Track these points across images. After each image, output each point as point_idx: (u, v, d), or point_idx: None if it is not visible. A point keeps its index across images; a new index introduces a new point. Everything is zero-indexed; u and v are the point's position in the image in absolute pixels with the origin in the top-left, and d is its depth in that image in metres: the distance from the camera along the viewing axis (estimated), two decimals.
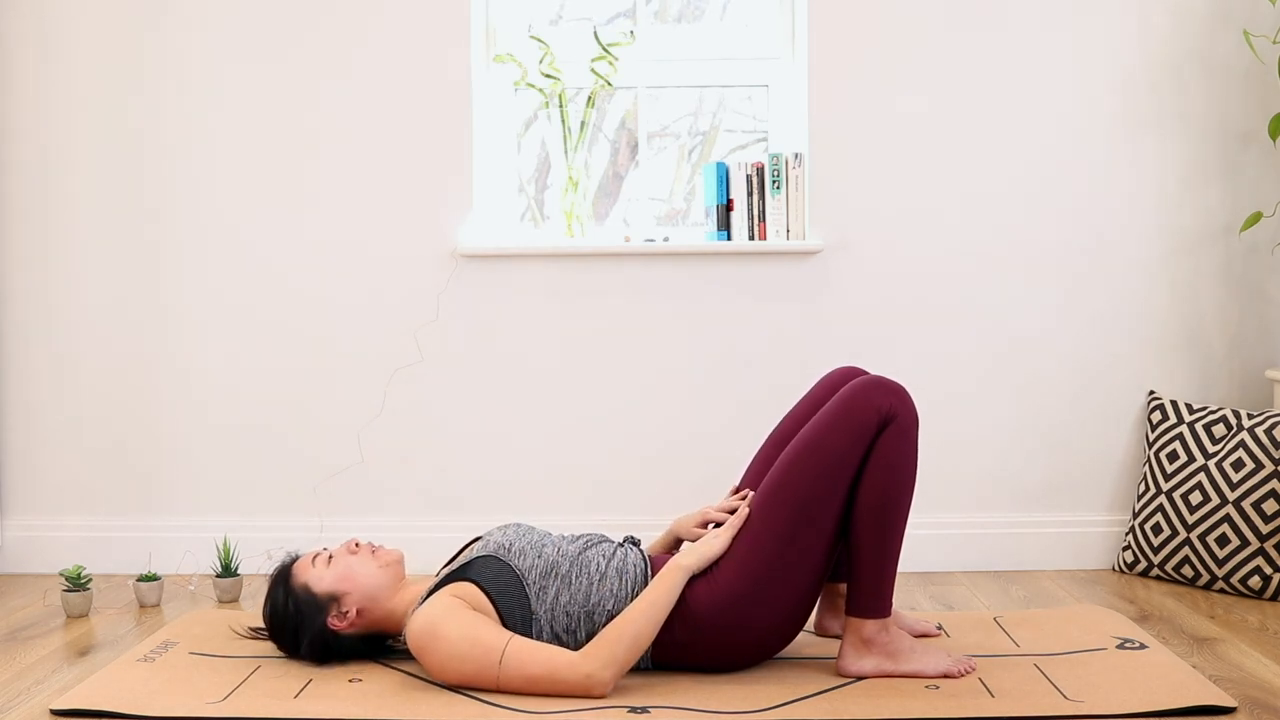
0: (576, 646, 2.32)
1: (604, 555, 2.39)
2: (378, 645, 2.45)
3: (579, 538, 2.46)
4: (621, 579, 2.35)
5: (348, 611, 2.37)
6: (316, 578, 2.39)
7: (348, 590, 2.37)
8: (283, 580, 2.41)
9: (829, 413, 2.31)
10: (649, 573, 2.37)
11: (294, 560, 2.46)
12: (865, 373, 2.51)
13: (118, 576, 3.25)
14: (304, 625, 2.38)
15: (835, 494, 2.28)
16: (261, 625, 2.60)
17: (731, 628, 2.30)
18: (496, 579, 2.32)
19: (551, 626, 2.31)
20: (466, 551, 2.46)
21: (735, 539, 2.33)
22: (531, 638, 2.31)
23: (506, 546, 2.39)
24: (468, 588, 2.33)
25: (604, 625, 2.31)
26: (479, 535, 2.53)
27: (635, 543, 2.49)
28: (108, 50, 3.30)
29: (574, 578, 2.34)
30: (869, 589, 2.30)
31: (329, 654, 2.41)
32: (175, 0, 3.29)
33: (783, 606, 2.31)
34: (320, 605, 2.38)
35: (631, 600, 2.32)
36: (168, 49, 3.30)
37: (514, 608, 2.30)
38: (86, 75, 3.30)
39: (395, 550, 2.52)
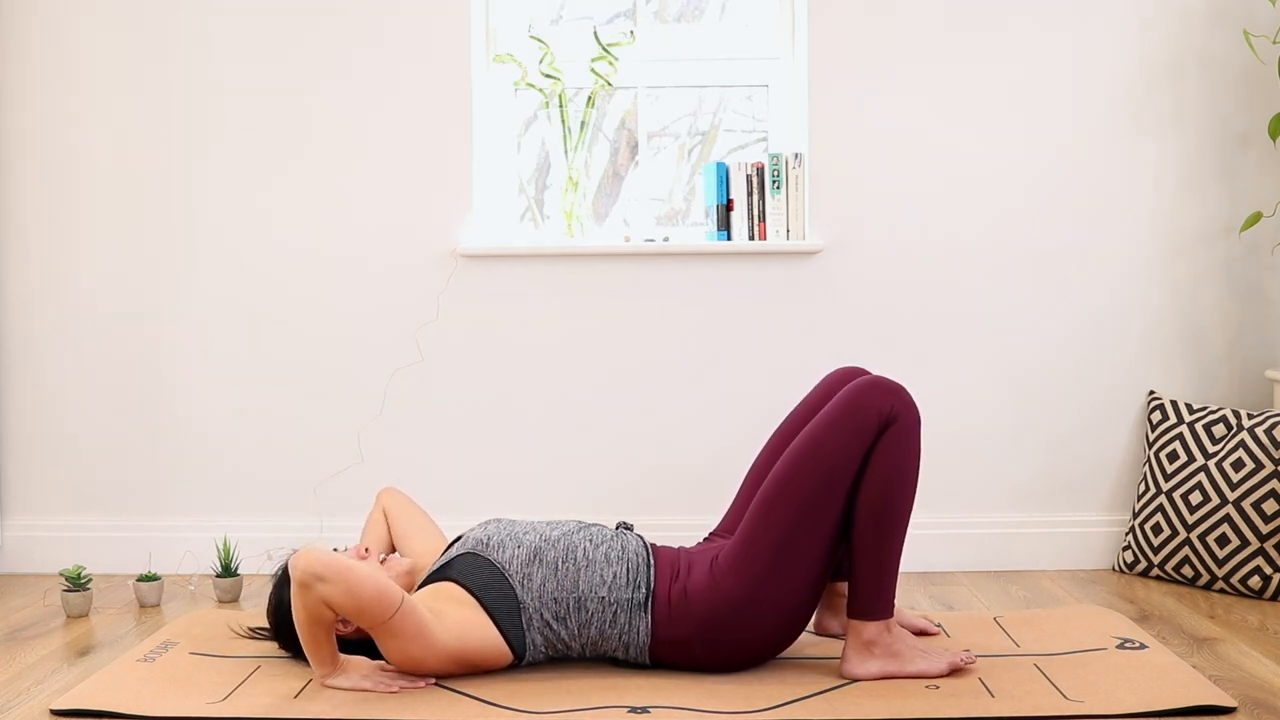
0: (569, 635, 2.32)
1: (592, 541, 2.38)
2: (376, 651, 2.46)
3: (564, 523, 2.45)
4: (613, 565, 2.33)
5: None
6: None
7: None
8: (289, 580, 2.40)
9: (829, 414, 2.30)
10: (650, 559, 2.36)
11: None
12: (867, 373, 2.51)
13: (118, 576, 3.25)
14: (280, 598, 2.39)
15: (836, 496, 2.28)
16: (261, 625, 2.60)
17: (732, 630, 2.30)
18: (477, 575, 2.33)
19: (541, 614, 2.31)
20: (447, 553, 2.46)
21: (737, 542, 2.33)
22: (522, 628, 2.31)
23: (484, 541, 2.39)
24: (450, 587, 2.34)
25: (597, 613, 2.31)
26: (460, 535, 2.53)
27: (629, 527, 2.49)
28: (106, 54, 3.30)
29: (560, 564, 2.33)
30: (870, 590, 2.29)
31: (280, 625, 2.41)
32: (175, 1, 3.29)
33: (783, 608, 2.31)
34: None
35: (628, 588, 2.31)
36: (167, 49, 3.30)
37: (499, 600, 2.30)
38: (87, 80, 3.30)
39: (404, 560, 2.52)
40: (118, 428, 3.34)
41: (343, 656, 2.29)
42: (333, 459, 3.32)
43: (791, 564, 2.28)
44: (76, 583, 2.88)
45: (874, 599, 2.29)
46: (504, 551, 2.36)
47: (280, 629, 2.42)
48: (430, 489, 3.22)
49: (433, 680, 2.29)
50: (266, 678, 2.35)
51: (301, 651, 2.38)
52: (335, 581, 2.15)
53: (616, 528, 2.48)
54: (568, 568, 2.33)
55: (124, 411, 3.34)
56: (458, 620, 2.28)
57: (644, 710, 2.16)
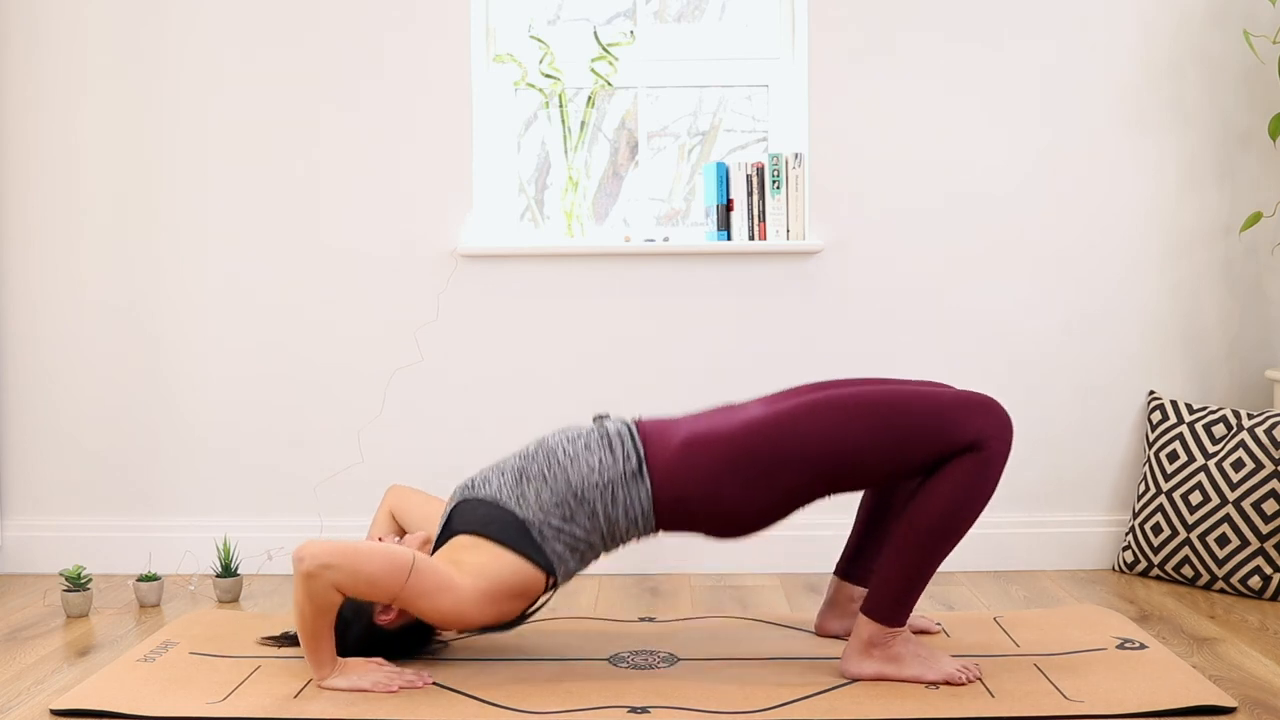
0: (584, 531, 2.30)
1: (569, 438, 2.37)
2: (424, 636, 2.44)
3: (539, 438, 2.44)
4: (595, 451, 2.32)
5: (391, 605, 2.33)
6: None
7: None
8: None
9: (931, 398, 2.25)
10: (634, 434, 2.34)
11: None
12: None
13: (118, 576, 3.25)
14: (349, 628, 2.36)
15: (868, 470, 2.25)
16: (280, 634, 2.58)
17: (708, 497, 2.27)
18: (476, 516, 2.33)
19: (549, 523, 2.29)
20: (444, 515, 2.45)
21: (736, 426, 2.28)
22: (538, 544, 2.28)
23: (468, 485, 2.40)
24: (457, 539, 2.33)
25: (597, 499, 2.29)
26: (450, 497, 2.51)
27: (605, 418, 2.45)
28: (109, 54, 3.30)
29: (546, 471, 2.32)
30: (893, 598, 2.27)
31: (375, 651, 2.39)
32: (175, 1, 3.29)
33: (752, 505, 2.27)
34: (359, 607, 2.35)
35: (618, 463, 2.29)
36: (165, 52, 3.30)
37: (505, 529, 2.29)
38: (89, 82, 3.30)
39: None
40: (118, 428, 3.34)
41: (341, 658, 2.29)
42: (333, 459, 3.32)
43: (780, 483, 2.25)
44: (76, 583, 2.88)
45: (893, 607, 2.27)
46: (490, 485, 2.36)
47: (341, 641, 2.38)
48: (430, 489, 3.21)
49: (431, 680, 2.29)
50: (266, 678, 2.35)
51: (344, 654, 2.36)
52: (343, 565, 2.17)
53: (594, 420, 2.46)
54: (554, 471, 2.32)
55: (124, 412, 3.34)
56: (475, 561, 2.27)
57: (644, 710, 2.16)
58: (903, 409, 2.25)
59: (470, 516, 2.34)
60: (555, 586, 2.34)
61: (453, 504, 2.41)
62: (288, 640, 2.55)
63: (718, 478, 2.26)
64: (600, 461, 2.31)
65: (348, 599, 2.33)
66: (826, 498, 2.32)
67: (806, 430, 2.25)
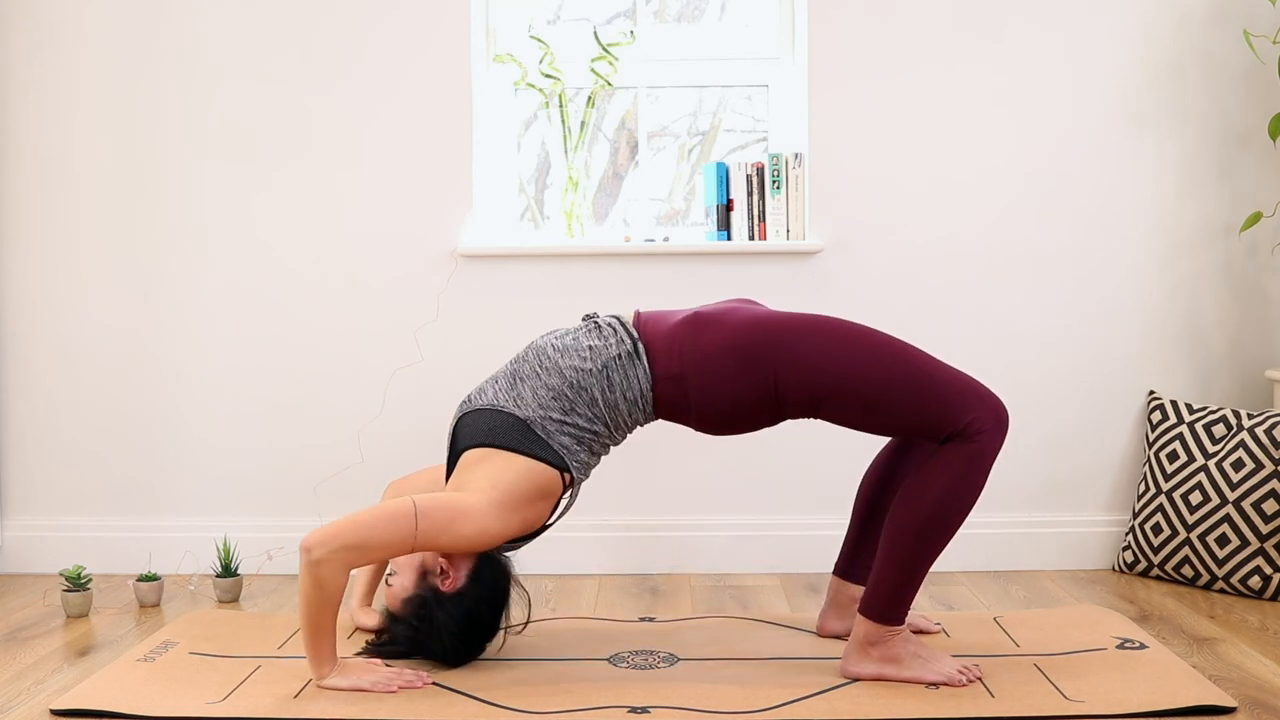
0: (587, 421, 2.31)
1: (558, 335, 2.39)
2: (501, 569, 2.39)
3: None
4: (585, 340, 2.33)
5: (438, 569, 2.33)
6: (401, 588, 2.37)
7: (418, 560, 2.34)
8: (392, 619, 2.40)
9: (944, 374, 2.26)
10: (625, 324, 2.35)
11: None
12: None
13: (118, 576, 3.25)
14: (434, 625, 2.34)
15: (855, 408, 2.25)
16: (385, 644, 2.50)
17: (703, 376, 2.28)
18: (477, 427, 2.33)
19: (550, 417, 2.30)
20: (447, 440, 2.46)
21: (766, 312, 2.32)
22: (543, 440, 2.30)
23: (465, 401, 2.41)
24: (467, 457, 2.33)
25: (593, 384, 2.30)
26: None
27: (594, 315, 2.46)
28: (107, 54, 3.30)
29: (538, 369, 2.34)
30: (888, 597, 2.27)
31: (482, 621, 2.36)
32: (174, 1, 3.29)
33: (743, 396, 2.27)
34: (424, 597, 2.34)
35: (611, 347, 2.31)
36: (167, 49, 3.30)
37: (508, 433, 2.30)
38: (87, 81, 3.30)
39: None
40: (118, 428, 3.34)
41: (341, 658, 2.29)
42: (333, 459, 3.32)
43: (751, 373, 2.25)
44: (76, 583, 2.88)
45: (889, 606, 2.27)
46: (485, 395, 2.38)
47: (427, 651, 2.38)
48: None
49: (431, 680, 2.29)
50: (266, 678, 2.36)
51: (459, 649, 2.37)
52: (350, 541, 2.17)
53: (583, 319, 2.46)
54: (546, 367, 2.34)
55: (124, 411, 3.34)
56: (484, 475, 2.28)
57: (644, 710, 2.16)
58: (914, 368, 2.26)
59: (472, 429, 2.35)
60: (574, 484, 2.35)
61: (454, 421, 2.42)
62: (379, 648, 2.47)
63: (717, 357, 2.26)
64: (591, 349, 2.32)
65: (405, 605, 2.34)
66: (805, 419, 2.32)
67: (815, 345, 2.26)
